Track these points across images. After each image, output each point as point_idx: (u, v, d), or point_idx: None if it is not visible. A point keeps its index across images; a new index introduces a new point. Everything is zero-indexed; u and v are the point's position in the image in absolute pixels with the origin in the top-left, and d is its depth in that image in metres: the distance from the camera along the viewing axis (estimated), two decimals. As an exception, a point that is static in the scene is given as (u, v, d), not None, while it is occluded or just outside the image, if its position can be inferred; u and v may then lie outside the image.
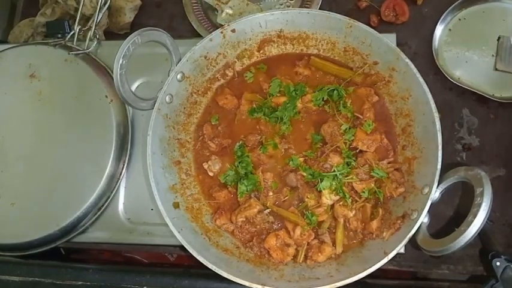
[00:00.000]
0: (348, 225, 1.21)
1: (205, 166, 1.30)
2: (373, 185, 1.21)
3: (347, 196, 1.19)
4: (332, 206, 1.22)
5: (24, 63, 1.44)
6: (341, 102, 1.28)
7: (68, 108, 1.39)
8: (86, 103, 1.38)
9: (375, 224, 1.18)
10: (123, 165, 1.36)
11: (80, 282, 1.23)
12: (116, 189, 1.34)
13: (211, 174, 1.30)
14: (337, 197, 1.21)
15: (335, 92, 1.28)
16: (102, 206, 1.33)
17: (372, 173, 1.20)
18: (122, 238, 1.33)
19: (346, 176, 1.21)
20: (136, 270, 1.26)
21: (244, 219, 1.24)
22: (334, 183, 1.20)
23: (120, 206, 1.35)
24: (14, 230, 1.32)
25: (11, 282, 1.24)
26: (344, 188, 1.20)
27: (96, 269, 1.26)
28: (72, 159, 1.34)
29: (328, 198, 1.20)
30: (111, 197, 1.34)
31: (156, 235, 1.31)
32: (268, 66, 1.37)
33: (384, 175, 1.20)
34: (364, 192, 1.20)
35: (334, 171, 1.21)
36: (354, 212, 1.20)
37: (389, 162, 1.23)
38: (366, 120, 1.24)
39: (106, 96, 1.36)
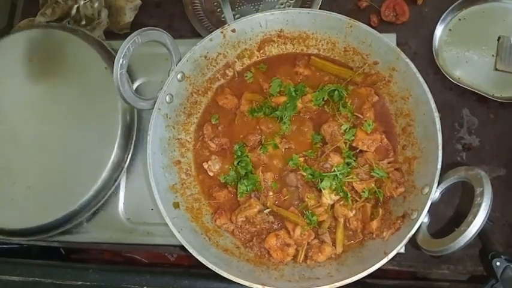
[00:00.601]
0: (348, 225, 1.21)
1: (205, 166, 1.30)
2: (373, 185, 1.21)
3: (348, 195, 1.19)
4: (332, 206, 1.22)
5: (21, 48, 1.44)
6: (341, 102, 1.28)
7: (71, 85, 1.39)
8: (88, 77, 1.39)
9: (375, 224, 1.18)
10: (133, 136, 1.37)
11: (80, 282, 1.23)
12: (127, 162, 1.35)
13: (211, 174, 1.30)
14: (337, 197, 1.21)
15: (336, 92, 1.28)
16: (117, 177, 1.34)
17: (372, 173, 1.20)
18: (122, 238, 1.33)
19: (347, 176, 1.21)
20: (136, 270, 1.27)
21: (244, 219, 1.24)
22: (334, 183, 1.20)
23: (120, 206, 1.35)
24: (34, 212, 1.31)
25: (11, 282, 1.24)
26: (344, 187, 1.20)
27: (96, 269, 1.26)
28: (82, 134, 1.35)
29: (328, 198, 1.20)
30: (124, 168, 1.35)
31: (156, 235, 1.31)
32: (268, 66, 1.37)
33: (384, 175, 1.20)
34: (364, 192, 1.20)
35: (334, 171, 1.21)
36: (354, 212, 1.20)
37: (389, 162, 1.23)
38: (366, 120, 1.24)
39: (106, 68, 1.36)
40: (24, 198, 1.32)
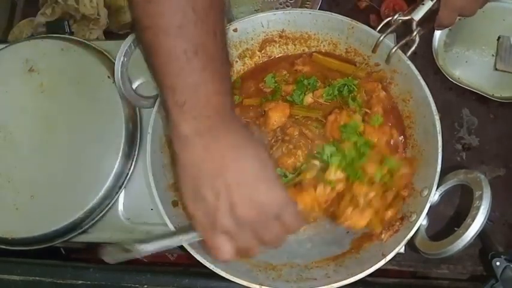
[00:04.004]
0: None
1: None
2: (385, 171, 1.12)
3: (358, 174, 1.10)
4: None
5: (20, 59, 1.43)
6: (350, 95, 1.26)
7: (72, 94, 1.38)
8: (90, 87, 1.37)
9: (389, 213, 1.14)
10: (137, 142, 1.37)
11: (80, 282, 1.23)
12: (133, 164, 1.35)
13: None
14: (342, 176, 1.12)
15: (345, 87, 1.26)
16: (122, 185, 1.34)
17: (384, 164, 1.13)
18: (122, 238, 1.31)
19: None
20: (136, 269, 1.26)
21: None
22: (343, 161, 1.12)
23: (120, 206, 1.34)
24: (38, 221, 1.31)
25: (11, 281, 1.25)
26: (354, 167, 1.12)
27: (97, 268, 1.26)
28: (85, 143, 1.34)
29: (332, 174, 1.11)
30: (129, 175, 1.35)
31: (156, 235, 1.31)
32: (266, 67, 1.36)
33: (396, 165, 1.13)
34: (376, 174, 1.11)
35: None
36: (373, 193, 1.11)
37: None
38: (374, 115, 1.22)
39: (108, 77, 1.36)
40: (28, 208, 1.32)
